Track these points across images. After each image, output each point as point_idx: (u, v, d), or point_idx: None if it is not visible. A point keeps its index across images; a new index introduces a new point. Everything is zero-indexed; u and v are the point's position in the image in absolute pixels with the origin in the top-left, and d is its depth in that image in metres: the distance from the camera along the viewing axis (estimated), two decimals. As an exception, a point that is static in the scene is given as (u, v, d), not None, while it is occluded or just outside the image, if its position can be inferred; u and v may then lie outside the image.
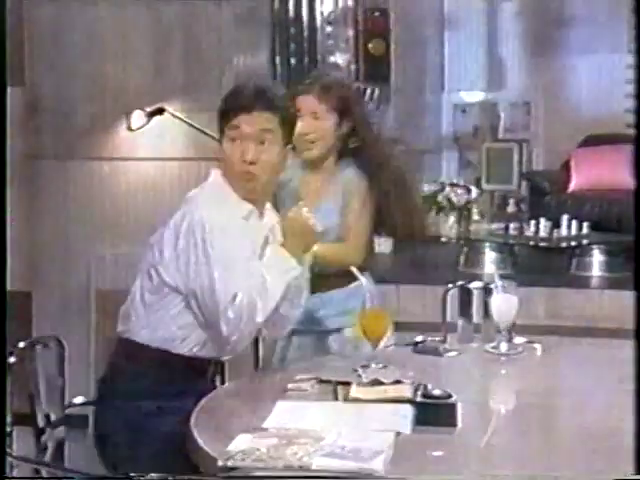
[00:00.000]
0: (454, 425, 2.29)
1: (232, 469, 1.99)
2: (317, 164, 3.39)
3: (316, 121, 3.31)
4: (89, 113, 5.30)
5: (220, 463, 2.01)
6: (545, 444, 2.35)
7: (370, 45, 8.58)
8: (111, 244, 5.37)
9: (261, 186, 2.84)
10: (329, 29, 8.44)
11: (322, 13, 8.41)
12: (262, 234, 2.85)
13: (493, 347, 3.10)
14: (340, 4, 8.57)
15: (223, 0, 5.50)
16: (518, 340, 3.21)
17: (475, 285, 3.72)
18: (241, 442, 2.10)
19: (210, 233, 2.67)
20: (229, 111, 2.79)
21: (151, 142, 5.35)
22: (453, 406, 2.32)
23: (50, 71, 5.37)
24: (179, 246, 2.71)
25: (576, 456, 2.28)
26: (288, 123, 2.88)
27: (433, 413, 2.33)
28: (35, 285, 5.40)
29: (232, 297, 2.63)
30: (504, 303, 3.15)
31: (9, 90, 5.41)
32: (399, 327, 3.47)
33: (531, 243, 6.46)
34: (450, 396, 2.36)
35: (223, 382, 3.14)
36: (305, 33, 8.03)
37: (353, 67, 8.53)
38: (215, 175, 2.88)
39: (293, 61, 7.75)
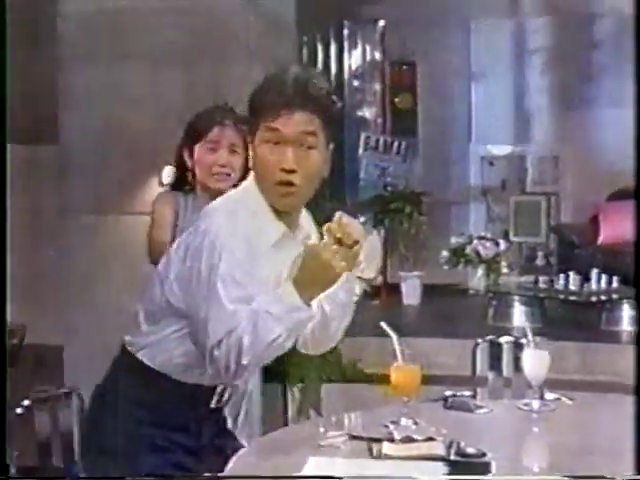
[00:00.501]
0: None
1: None
2: None
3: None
4: (123, 169, 5.37)
5: None
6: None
7: (397, 99, 8.78)
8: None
9: (301, 198, 2.49)
10: (356, 83, 8.69)
11: (350, 67, 8.62)
12: (290, 259, 2.45)
13: (525, 404, 3.04)
14: (368, 58, 8.77)
15: (254, 63, 5.59)
16: (549, 396, 3.15)
17: (505, 339, 3.71)
18: None
19: (222, 260, 2.35)
20: (264, 109, 2.42)
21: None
22: (487, 465, 2.29)
23: (83, 129, 5.48)
24: (186, 265, 2.43)
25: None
26: (332, 123, 2.51)
27: (466, 471, 2.29)
28: (68, 339, 5.46)
29: (219, 340, 2.34)
30: (536, 359, 3.10)
31: (43, 148, 5.55)
32: (427, 380, 3.46)
33: (561, 297, 6.42)
34: (484, 454, 2.34)
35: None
36: (332, 87, 8.20)
37: (380, 120, 8.73)
38: (250, 181, 2.53)
39: None
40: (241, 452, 2.70)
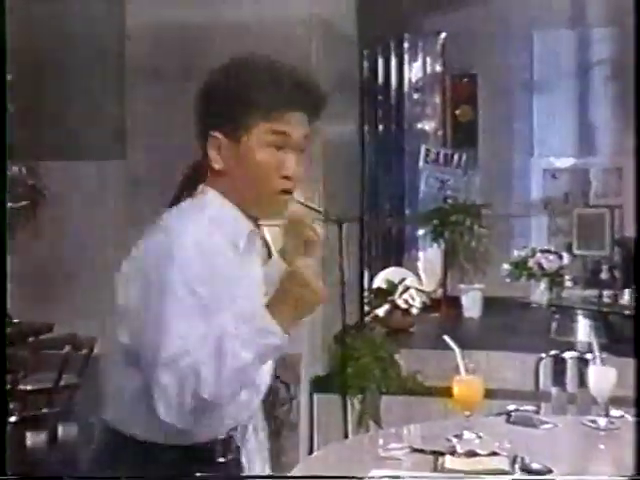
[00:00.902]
0: None
1: None
2: None
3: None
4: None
5: None
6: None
7: (458, 111, 8.86)
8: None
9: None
10: (416, 96, 8.70)
11: (410, 80, 8.66)
12: (261, 276, 2.23)
13: (591, 420, 3.01)
14: (428, 70, 8.79)
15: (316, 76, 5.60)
16: (614, 412, 3.10)
17: (570, 354, 3.70)
18: None
19: (175, 266, 2.00)
20: (262, 107, 2.09)
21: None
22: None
23: (150, 145, 5.59)
24: (135, 287, 2.05)
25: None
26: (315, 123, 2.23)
27: None
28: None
29: (168, 358, 1.93)
30: (602, 375, 3.08)
31: (112, 163, 5.61)
32: (489, 394, 3.43)
33: (626, 312, 6.30)
34: (550, 471, 2.32)
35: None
36: (393, 100, 8.34)
37: (440, 133, 8.77)
38: (212, 195, 2.14)
39: (381, 128, 8.08)
40: (303, 462, 2.72)
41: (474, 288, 7.36)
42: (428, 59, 8.81)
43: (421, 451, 2.59)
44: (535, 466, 2.36)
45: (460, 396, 2.82)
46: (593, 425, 3.00)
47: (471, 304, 7.31)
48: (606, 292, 6.48)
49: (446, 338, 2.99)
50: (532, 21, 8.95)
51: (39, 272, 6.00)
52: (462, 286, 7.51)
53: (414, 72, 8.66)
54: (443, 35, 8.82)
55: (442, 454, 2.53)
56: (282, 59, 5.87)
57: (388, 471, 2.45)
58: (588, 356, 3.35)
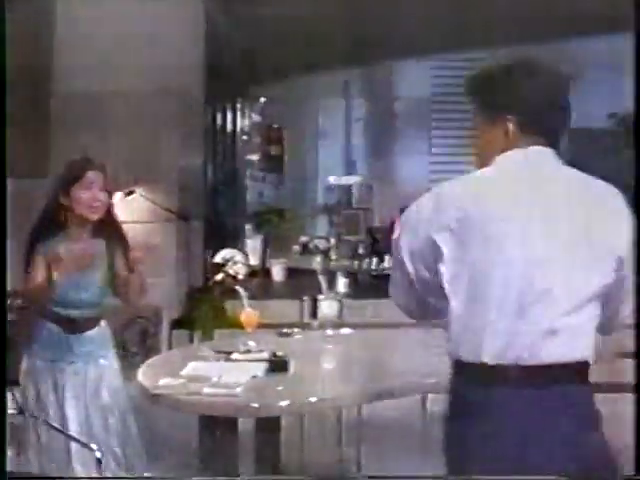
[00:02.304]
0: (286, 371, 2.56)
1: (157, 395, 2.28)
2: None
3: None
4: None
5: (152, 391, 2.31)
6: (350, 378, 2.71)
7: (271, 147, 8.89)
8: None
9: None
10: (245, 137, 8.64)
11: (241, 128, 8.55)
12: None
13: (325, 333, 3.33)
14: (252, 122, 8.81)
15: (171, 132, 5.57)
16: (345, 331, 3.37)
17: (320, 297, 3.79)
18: (165, 381, 2.38)
19: None
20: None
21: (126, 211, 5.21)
22: (286, 362, 2.60)
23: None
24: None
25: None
26: None
27: (276, 365, 2.59)
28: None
29: None
30: (327, 307, 3.46)
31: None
32: (273, 325, 3.51)
33: (372, 273, 6.72)
34: (285, 356, 2.64)
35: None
36: (229, 140, 8.10)
37: (259, 162, 8.77)
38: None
39: (220, 158, 7.66)
40: (157, 357, 2.97)
41: (280, 262, 7.39)
42: (253, 114, 8.84)
43: (222, 352, 2.81)
44: (279, 354, 2.66)
45: (245, 321, 3.06)
46: (324, 334, 3.34)
47: (278, 272, 7.35)
48: (356, 262, 6.76)
49: (239, 289, 3.25)
50: (319, 91, 9.00)
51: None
52: (272, 261, 7.54)
53: (244, 122, 8.63)
54: (262, 99, 8.90)
55: (231, 352, 2.77)
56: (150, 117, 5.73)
57: (199, 363, 2.63)
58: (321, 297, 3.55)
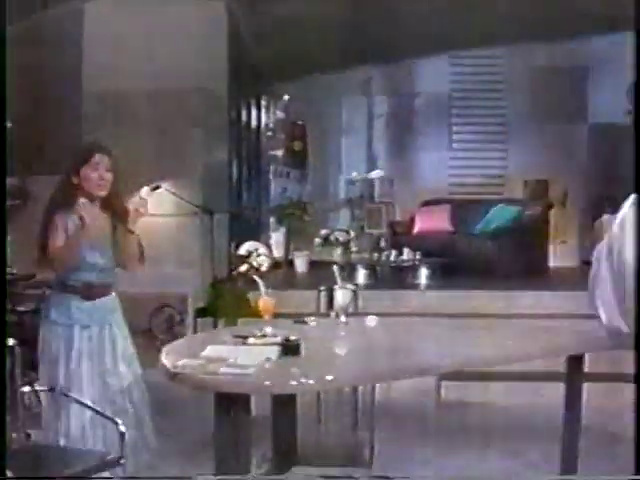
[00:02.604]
0: (299, 354, 2.67)
1: (177, 374, 2.42)
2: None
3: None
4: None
5: (172, 370, 2.44)
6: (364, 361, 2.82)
7: (295, 143, 8.96)
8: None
9: None
10: (269, 134, 8.76)
11: (266, 124, 8.70)
12: None
13: (339, 320, 3.38)
14: (276, 118, 8.91)
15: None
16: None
17: (336, 287, 3.85)
18: (184, 362, 2.51)
19: None
20: None
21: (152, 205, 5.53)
22: (298, 345, 2.70)
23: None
24: None
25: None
26: None
27: (289, 348, 2.70)
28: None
29: None
30: (341, 296, 3.49)
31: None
32: (293, 315, 3.57)
33: (391, 264, 6.82)
34: (298, 340, 2.73)
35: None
36: (253, 137, 8.24)
37: (283, 157, 8.86)
38: None
39: (245, 154, 7.76)
40: (178, 340, 3.05)
41: (302, 254, 7.54)
42: (277, 111, 8.93)
43: (240, 336, 2.89)
44: (292, 338, 2.73)
45: (262, 308, 3.19)
46: (338, 321, 3.38)
47: (300, 264, 7.52)
48: (375, 254, 6.82)
49: (256, 278, 3.42)
50: (340, 90, 9.05)
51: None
52: (296, 253, 7.69)
53: (268, 119, 8.73)
54: (286, 97, 8.98)
55: (247, 337, 2.84)
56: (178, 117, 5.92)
57: (217, 347, 2.74)
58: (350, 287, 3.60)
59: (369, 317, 3.28)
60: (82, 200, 2.97)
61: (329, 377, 2.60)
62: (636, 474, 1.53)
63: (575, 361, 3.36)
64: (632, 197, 1.49)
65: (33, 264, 3.10)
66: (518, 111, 8.63)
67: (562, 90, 8.45)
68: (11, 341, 2.62)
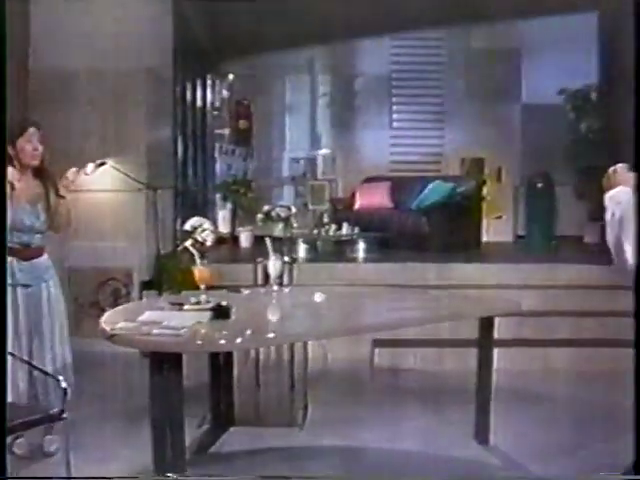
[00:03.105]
0: (228, 317, 2.90)
1: (114, 335, 2.64)
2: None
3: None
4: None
5: (109, 332, 2.66)
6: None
7: (240, 122, 8.92)
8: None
9: None
10: (215, 113, 8.67)
11: (211, 103, 8.59)
12: None
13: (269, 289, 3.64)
14: (222, 97, 8.84)
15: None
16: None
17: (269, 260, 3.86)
18: (121, 324, 2.74)
19: None
20: None
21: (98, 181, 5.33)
22: (229, 309, 2.94)
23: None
24: None
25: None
26: None
27: (220, 313, 2.94)
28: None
29: None
30: (273, 266, 3.71)
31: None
32: (230, 286, 3.81)
33: (332, 239, 6.99)
34: (228, 305, 2.97)
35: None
36: (199, 115, 8.18)
37: (228, 136, 8.80)
38: None
39: (190, 132, 7.77)
40: (121, 306, 3.29)
41: (246, 230, 7.59)
42: (222, 90, 8.87)
43: (176, 304, 3.15)
44: (223, 303, 2.96)
45: (198, 276, 3.32)
46: (271, 290, 3.58)
47: (245, 239, 7.60)
48: (323, 229, 6.95)
49: (189, 247, 3.50)
50: (285, 68, 9.05)
51: None
52: (240, 229, 7.73)
53: (214, 98, 8.67)
54: (231, 76, 8.93)
55: (183, 304, 3.09)
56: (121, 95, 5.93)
57: (154, 312, 2.96)
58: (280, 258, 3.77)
59: (316, 294, 3.46)
60: (10, 169, 3.24)
61: (258, 335, 2.84)
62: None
63: (486, 328, 3.67)
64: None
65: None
66: (455, 92, 8.88)
67: (497, 71, 8.71)
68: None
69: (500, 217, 8.56)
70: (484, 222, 8.03)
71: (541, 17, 8.63)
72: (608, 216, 1.94)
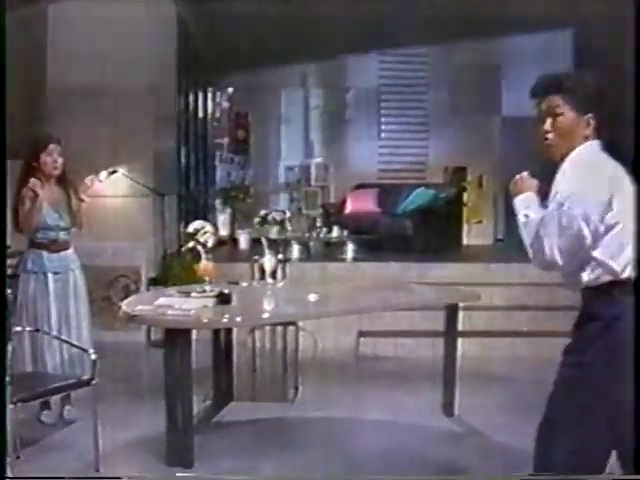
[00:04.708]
0: (229, 303, 3.37)
1: (135, 316, 3.12)
2: None
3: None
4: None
5: (131, 313, 3.16)
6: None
7: (238, 132, 9.27)
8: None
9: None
10: (215, 124, 8.92)
11: (212, 113, 8.83)
12: None
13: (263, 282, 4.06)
14: (222, 108, 9.14)
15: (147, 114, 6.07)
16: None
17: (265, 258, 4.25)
18: (140, 307, 3.23)
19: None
20: None
21: (110, 188, 5.78)
22: (230, 296, 3.40)
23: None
24: None
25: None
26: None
27: (222, 299, 3.40)
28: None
29: None
30: (268, 262, 4.13)
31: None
32: (233, 281, 4.08)
33: (322, 240, 7.33)
34: (230, 293, 3.43)
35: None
36: (200, 125, 8.35)
37: (228, 145, 9.09)
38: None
39: (193, 141, 7.90)
40: (138, 295, 3.75)
41: (245, 232, 7.84)
42: (222, 102, 9.18)
43: (183, 292, 3.57)
44: (225, 291, 3.43)
45: (203, 269, 3.76)
46: (266, 283, 4.02)
47: (243, 241, 7.87)
48: (315, 232, 7.27)
49: (197, 247, 3.87)
50: (282, 82, 9.42)
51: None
52: (239, 231, 8.02)
53: (214, 110, 8.90)
54: (230, 89, 9.27)
55: (189, 292, 3.52)
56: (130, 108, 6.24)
57: (167, 298, 3.42)
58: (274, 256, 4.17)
59: (307, 286, 3.94)
60: (33, 180, 3.74)
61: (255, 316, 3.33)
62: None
63: (451, 319, 4.16)
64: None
65: (11, 234, 3.78)
66: (440, 104, 9.28)
67: (478, 86, 9.09)
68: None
69: (481, 222, 8.98)
70: (465, 226, 8.43)
71: (520, 35, 9.04)
72: (521, 218, 2.14)
